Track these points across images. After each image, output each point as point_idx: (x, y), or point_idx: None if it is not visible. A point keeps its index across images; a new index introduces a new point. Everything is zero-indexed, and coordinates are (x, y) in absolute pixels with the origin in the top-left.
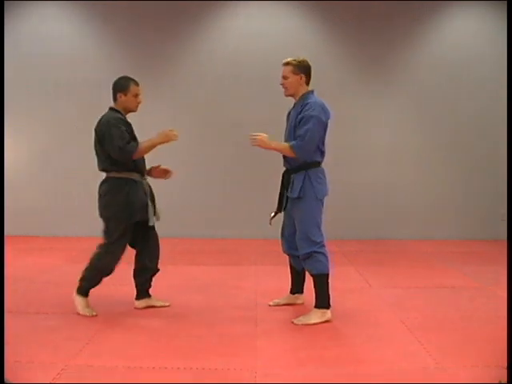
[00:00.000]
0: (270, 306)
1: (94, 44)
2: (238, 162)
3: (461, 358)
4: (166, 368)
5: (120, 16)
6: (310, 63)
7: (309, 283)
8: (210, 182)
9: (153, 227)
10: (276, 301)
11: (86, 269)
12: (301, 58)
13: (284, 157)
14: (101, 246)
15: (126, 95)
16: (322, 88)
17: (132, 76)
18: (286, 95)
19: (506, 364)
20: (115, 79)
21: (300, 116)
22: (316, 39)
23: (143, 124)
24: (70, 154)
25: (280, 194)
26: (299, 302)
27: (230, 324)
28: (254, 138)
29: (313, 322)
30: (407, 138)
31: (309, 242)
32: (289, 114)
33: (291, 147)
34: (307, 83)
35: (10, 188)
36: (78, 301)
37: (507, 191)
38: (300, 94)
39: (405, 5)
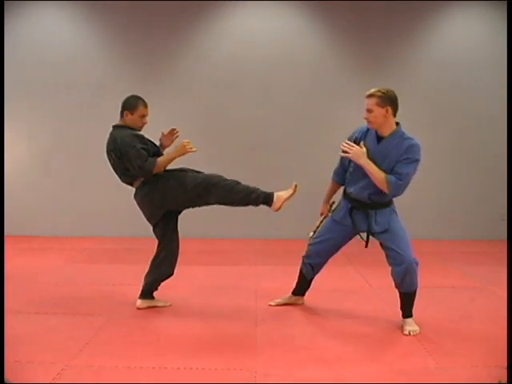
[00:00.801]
0: (270, 305)
1: (94, 43)
2: (238, 162)
3: (461, 358)
4: (165, 368)
5: (120, 15)
6: (311, 63)
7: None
8: None
9: (177, 231)
10: (276, 301)
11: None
12: (386, 89)
13: (362, 187)
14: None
15: (132, 114)
16: (323, 88)
17: (132, 74)
18: (371, 128)
19: (506, 364)
20: (125, 97)
21: (404, 156)
22: (318, 38)
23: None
24: (71, 154)
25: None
26: (300, 302)
27: (230, 324)
28: (350, 149)
29: (418, 327)
30: None
31: (413, 254)
32: (358, 140)
33: (388, 181)
34: (394, 115)
35: (10, 188)
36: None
37: (507, 191)
38: (389, 129)
39: (405, 5)
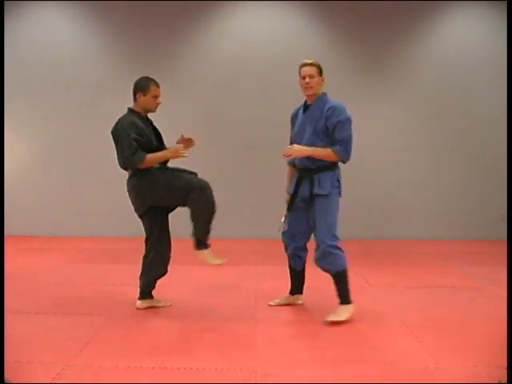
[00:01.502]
0: (270, 305)
1: (94, 43)
2: (238, 162)
3: (461, 358)
4: (166, 368)
5: (120, 15)
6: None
7: (309, 283)
8: (209, 182)
9: (168, 229)
10: (276, 301)
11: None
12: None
13: (307, 157)
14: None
15: (145, 95)
16: (323, 88)
17: (132, 74)
18: (309, 94)
19: (506, 364)
20: (137, 79)
21: (334, 120)
22: (318, 38)
23: None
24: (71, 154)
25: (293, 194)
26: (299, 302)
27: (229, 324)
28: (289, 151)
29: (344, 318)
30: (408, 138)
31: (331, 236)
32: (295, 115)
33: (335, 151)
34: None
35: (10, 188)
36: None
37: (507, 191)
38: (316, 96)
39: (405, 5)
